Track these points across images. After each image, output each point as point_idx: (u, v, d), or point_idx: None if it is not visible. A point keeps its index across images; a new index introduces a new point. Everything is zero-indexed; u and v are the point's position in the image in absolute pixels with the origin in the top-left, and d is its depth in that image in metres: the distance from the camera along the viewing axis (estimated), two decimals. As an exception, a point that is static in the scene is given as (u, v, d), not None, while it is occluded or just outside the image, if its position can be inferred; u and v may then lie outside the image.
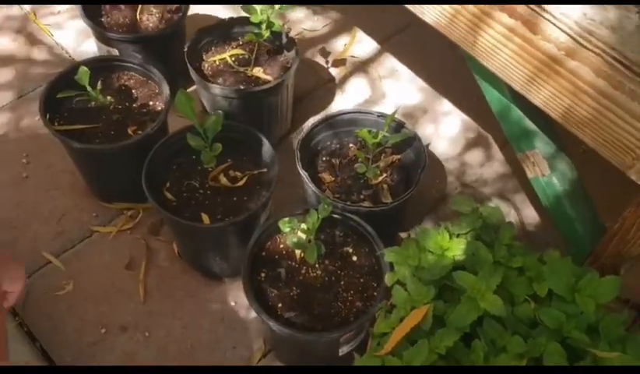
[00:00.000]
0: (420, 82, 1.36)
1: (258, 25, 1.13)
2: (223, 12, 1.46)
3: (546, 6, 0.66)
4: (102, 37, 1.19)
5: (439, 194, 1.18)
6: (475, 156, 1.24)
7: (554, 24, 0.66)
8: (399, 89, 1.35)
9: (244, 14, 1.14)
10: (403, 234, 1.08)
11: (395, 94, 1.34)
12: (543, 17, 0.67)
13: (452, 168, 1.22)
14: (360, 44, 1.44)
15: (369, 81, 1.36)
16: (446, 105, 1.32)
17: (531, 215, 1.14)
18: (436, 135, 1.27)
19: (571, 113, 0.68)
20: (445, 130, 1.28)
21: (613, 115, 0.64)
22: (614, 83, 0.63)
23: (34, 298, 1.03)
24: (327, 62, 1.40)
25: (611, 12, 0.64)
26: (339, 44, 1.44)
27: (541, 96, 0.71)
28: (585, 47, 0.64)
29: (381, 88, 1.35)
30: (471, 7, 0.74)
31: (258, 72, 1.17)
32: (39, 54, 1.36)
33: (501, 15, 0.71)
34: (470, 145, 1.25)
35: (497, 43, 0.73)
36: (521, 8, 0.68)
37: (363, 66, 1.40)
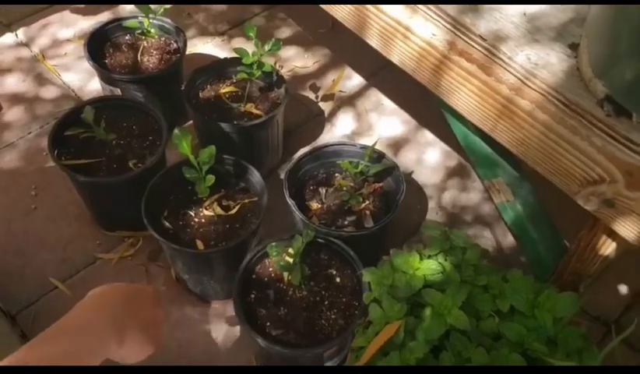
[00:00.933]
0: (403, 115, 1.45)
1: (250, 65, 1.23)
2: (218, 52, 1.55)
3: (497, 52, 0.74)
4: (105, 77, 1.29)
5: (420, 218, 1.25)
6: (454, 183, 1.31)
7: (505, 68, 0.74)
8: (384, 121, 1.43)
9: (237, 55, 1.24)
10: (385, 257, 1.16)
11: (381, 126, 1.42)
12: (496, 62, 0.75)
13: (433, 194, 1.30)
14: (348, 80, 1.53)
15: (356, 114, 1.45)
16: (428, 136, 1.40)
17: (506, 237, 1.21)
18: (418, 164, 1.35)
19: (523, 145, 0.77)
20: (427, 159, 1.36)
21: (559, 147, 0.72)
22: (557, 119, 0.71)
23: (41, 321, 1.10)
24: (317, 97, 1.49)
25: (552, 56, 0.73)
26: (328, 80, 1.53)
27: (497, 130, 0.79)
28: (531, 88, 0.72)
29: (368, 120, 1.44)
30: (434, 52, 0.82)
31: (250, 107, 1.25)
32: (47, 93, 1.45)
33: (460, 60, 0.79)
34: (450, 173, 1.33)
35: (458, 84, 0.81)
36: (477, 54, 0.77)
37: (350, 100, 1.49)
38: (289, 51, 1.58)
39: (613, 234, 0.77)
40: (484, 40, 0.75)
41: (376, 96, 1.49)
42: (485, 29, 0.76)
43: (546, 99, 0.71)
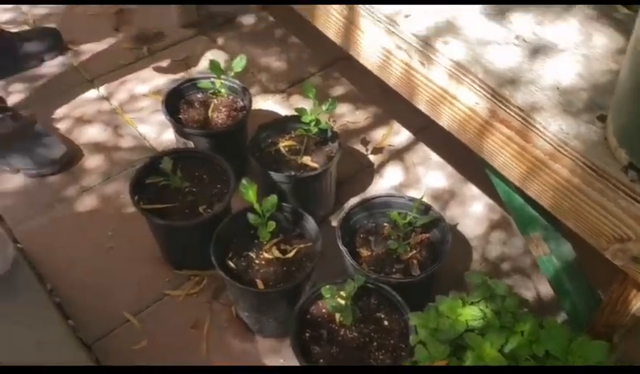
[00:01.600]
0: (449, 169, 1.54)
1: (308, 123, 1.35)
2: (278, 108, 1.69)
3: (533, 121, 0.84)
4: (180, 131, 1.44)
5: (464, 268, 1.33)
6: (497, 235, 1.39)
7: (540, 135, 0.84)
8: (430, 174, 1.53)
9: (297, 113, 1.37)
10: (431, 303, 1.24)
11: (428, 179, 1.52)
12: (532, 130, 0.85)
13: (477, 245, 1.38)
14: (397, 135, 1.64)
15: (404, 167, 1.55)
16: (473, 189, 1.49)
17: (545, 288, 1.27)
18: (463, 216, 1.44)
19: (556, 204, 0.85)
20: (472, 212, 1.45)
21: (588, 207, 0.80)
22: (586, 182, 0.79)
23: (115, 350, 1.22)
24: (367, 150, 1.60)
25: (582, 126, 0.82)
26: (377, 135, 1.64)
27: (534, 189, 0.88)
28: (563, 154, 0.81)
29: (415, 173, 1.54)
30: (477, 118, 0.93)
31: (306, 160, 1.37)
32: (124, 142, 1.61)
33: (500, 127, 0.89)
34: (493, 226, 1.41)
35: (498, 147, 0.91)
36: (515, 122, 0.87)
37: (399, 154, 1.59)
38: (342, 108, 1.71)
39: (643, 288, 0.84)
40: (522, 110, 0.85)
41: (423, 150, 1.59)
42: (522, 101, 0.86)
43: (576, 164, 0.80)
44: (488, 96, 0.89)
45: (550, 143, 0.82)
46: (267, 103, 1.72)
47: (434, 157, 1.57)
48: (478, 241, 1.39)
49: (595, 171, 0.78)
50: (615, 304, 0.90)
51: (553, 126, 0.82)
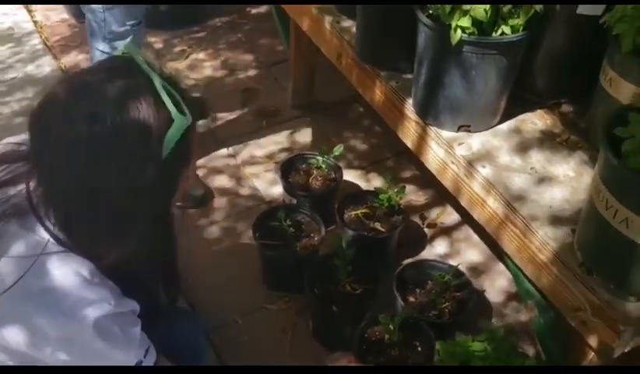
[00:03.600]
0: (484, 248, 2.00)
1: (382, 199, 1.86)
2: (359, 181, 2.21)
3: (530, 226, 1.31)
4: (288, 190, 1.98)
5: (483, 322, 1.78)
6: (513, 304, 1.83)
7: (534, 236, 1.30)
8: (469, 250, 1.99)
9: (374, 186, 1.89)
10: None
11: (466, 253, 1.98)
12: (530, 231, 1.32)
13: (496, 308, 1.82)
14: (448, 215, 2.12)
15: (450, 241, 2.03)
16: (500, 267, 1.94)
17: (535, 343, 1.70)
18: (490, 286, 1.89)
19: (541, 282, 1.31)
20: (497, 284, 1.90)
21: (558, 286, 1.26)
22: (559, 269, 1.25)
23: (225, 340, 1.73)
24: (423, 224, 2.09)
25: (560, 233, 1.28)
26: (433, 213, 2.12)
27: (529, 270, 1.35)
28: (546, 250, 1.28)
29: (457, 247, 2.00)
30: (497, 218, 1.40)
31: (377, 225, 1.87)
32: (243, 191, 2.16)
33: (511, 226, 1.37)
34: (510, 297, 1.85)
35: (509, 239, 1.38)
36: (520, 225, 1.34)
37: (447, 230, 2.07)
38: (408, 188, 2.20)
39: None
40: (524, 218, 1.33)
41: (467, 231, 2.06)
42: (526, 212, 1.33)
43: (554, 258, 1.26)
44: (505, 205, 1.37)
45: (539, 242, 1.29)
46: (351, 176, 2.25)
47: (475, 237, 2.03)
48: (497, 305, 1.83)
49: (564, 263, 1.24)
50: (578, 354, 1.33)
51: (542, 231, 1.29)
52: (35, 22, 2.93)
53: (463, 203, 1.52)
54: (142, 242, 1.02)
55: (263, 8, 3.01)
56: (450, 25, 1.33)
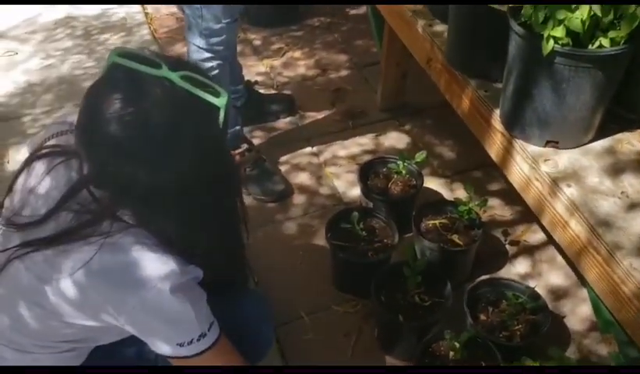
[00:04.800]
0: (568, 271, 1.88)
1: (462, 211, 1.80)
2: (441, 189, 2.15)
3: (614, 254, 1.21)
4: (365, 193, 1.96)
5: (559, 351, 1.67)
6: (593, 334, 1.71)
7: (618, 264, 1.21)
8: (552, 272, 1.88)
9: (456, 197, 1.83)
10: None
11: (548, 275, 1.87)
12: (614, 259, 1.22)
13: (575, 337, 1.71)
14: (533, 233, 2.01)
15: (532, 261, 1.92)
16: (584, 294, 1.81)
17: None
18: (571, 313, 1.77)
19: (622, 315, 1.21)
20: (579, 312, 1.78)
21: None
22: (642, 306, 1.15)
23: (290, 336, 1.75)
24: (505, 240, 2.00)
25: (647, 267, 1.18)
26: (517, 230, 2.03)
27: (609, 302, 1.25)
28: (630, 282, 1.18)
29: (539, 268, 1.90)
30: (579, 242, 1.31)
31: (455, 238, 1.81)
32: (322, 190, 2.17)
33: (593, 252, 1.27)
34: (593, 326, 1.73)
35: (590, 266, 1.28)
36: (603, 252, 1.24)
37: (530, 249, 1.96)
38: (493, 201, 2.11)
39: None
40: (608, 245, 1.23)
41: (552, 251, 1.95)
42: (610, 239, 1.23)
43: (637, 289, 1.16)
44: (588, 229, 1.28)
45: (622, 272, 1.19)
46: (434, 183, 2.19)
47: (559, 259, 1.92)
48: (575, 334, 1.71)
49: (647, 299, 1.14)
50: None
51: (627, 261, 1.19)
52: (146, 13, 3.11)
53: (544, 223, 1.44)
54: (209, 223, 1.06)
55: (362, 10, 3.01)
56: (542, 34, 1.26)
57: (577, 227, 1.32)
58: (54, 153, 1.10)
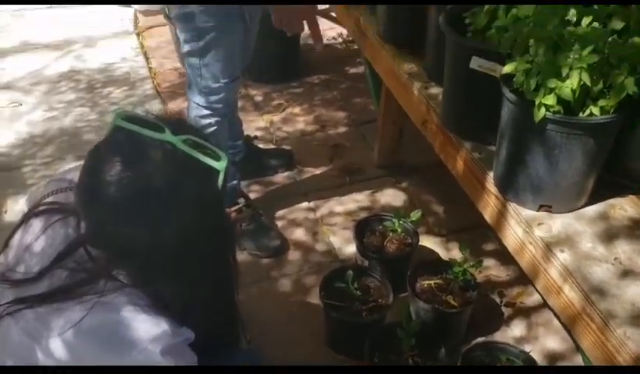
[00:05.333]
0: (565, 335, 1.85)
1: (457, 272, 1.79)
2: (437, 248, 2.15)
3: (608, 323, 1.20)
4: (360, 250, 1.96)
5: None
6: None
7: (612, 334, 1.19)
8: (548, 336, 1.86)
9: (452, 257, 1.82)
10: None
11: (544, 339, 1.85)
12: (608, 327, 1.21)
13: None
14: (530, 296, 1.99)
15: (527, 324, 1.90)
16: (579, 361, 1.78)
17: None
18: (568, 378, 1.74)
19: (615, 386, 1.19)
20: (576, 377, 1.75)
21: (636, 395, 1.14)
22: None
23: None
24: (501, 301, 1.98)
25: (638, 335, 1.16)
26: (513, 291, 2.01)
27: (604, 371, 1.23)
28: (624, 351, 1.16)
29: (535, 332, 1.88)
30: (573, 308, 1.30)
31: (450, 299, 1.80)
32: (318, 246, 2.17)
33: (587, 319, 1.26)
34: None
35: (584, 333, 1.27)
36: (597, 319, 1.23)
37: (527, 312, 1.94)
38: (489, 262, 2.11)
39: None
40: (602, 313, 1.22)
41: (548, 315, 1.93)
42: (604, 307, 1.22)
43: (631, 359, 1.14)
44: (582, 296, 1.27)
45: (616, 341, 1.18)
46: (430, 242, 2.19)
47: (555, 322, 1.90)
48: (575, 403, 1.68)
49: (641, 369, 1.12)
50: None
51: (621, 330, 1.18)
52: (150, 68, 3.18)
53: (538, 288, 1.43)
54: (205, 284, 1.06)
55: (360, 69, 3.07)
56: (534, 101, 1.28)
57: (570, 294, 1.31)
58: (52, 210, 1.11)
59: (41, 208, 1.12)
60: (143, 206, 0.97)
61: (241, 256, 2.12)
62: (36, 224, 1.10)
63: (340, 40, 3.34)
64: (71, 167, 1.19)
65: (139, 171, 0.96)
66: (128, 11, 3.67)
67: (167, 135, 0.99)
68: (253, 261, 2.10)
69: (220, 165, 1.02)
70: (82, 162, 1.05)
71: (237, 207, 2.10)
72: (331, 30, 3.41)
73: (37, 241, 1.08)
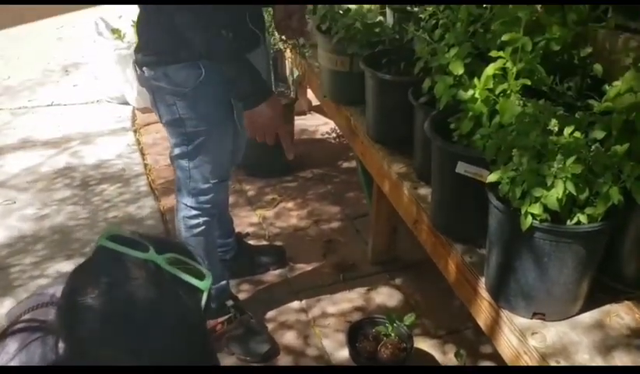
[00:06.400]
0: None
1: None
2: (434, 353, 2.07)
3: None
4: (353, 357, 1.89)
5: None
6: None
7: None
8: None
9: (449, 360, 1.74)
10: None
11: None
12: None
13: None
14: None
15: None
16: None
17: None
18: None
19: None
20: None
21: None
22: None
23: None
24: (502, 409, 1.88)
25: None
26: None
27: None
28: None
29: None
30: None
31: (446, 408, 1.71)
32: (310, 351, 2.09)
33: None
34: None
35: None
36: None
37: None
38: (487, 364, 2.03)
39: None
40: None
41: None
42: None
43: None
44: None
45: None
46: (426, 344, 2.11)
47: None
48: None
49: None
50: None
51: None
52: (145, 164, 3.20)
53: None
54: None
55: (353, 163, 3.10)
56: (520, 210, 1.27)
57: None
58: (30, 328, 1.08)
59: (19, 326, 1.09)
60: (125, 329, 0.94)
61: (230, 361, 2.05)
62: (12, 344, 1.07)
63: (334, 134, 3.39)
64: (52, 282, 1.17)
65: (122, 292, 0.95)
66: (127, 108, 3.76)
67: (152, 254, 0.98)
68: (242, 367, 2.03)
69: (204, 285, 1.00)
70: (65, 276, 1.03)
71: (224, 319, 2.04)
72: (325, 125, 3.47)
73: (12, 361, 1.04)
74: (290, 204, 2.88)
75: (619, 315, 1.42)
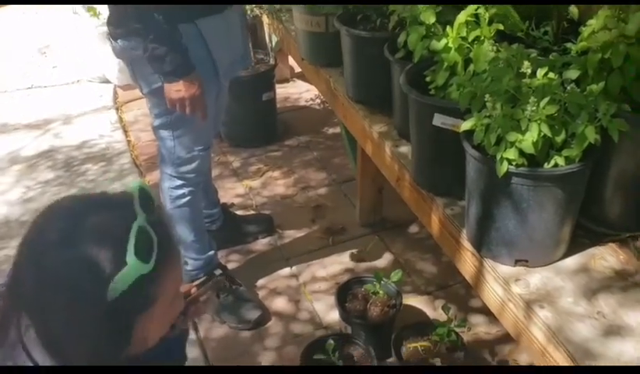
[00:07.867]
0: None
1: (442, 333, 1.72)
2: (423, 306, 2.08)
3: None
4: (343, 317, 1.89)
5: None
6: None
7: None
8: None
9: (439, 315, 1.75)
10: None
11: (542, 398, 1.75)
12: None
13: None
14: (521, 353, 1.91)
15: (522, 383, 1.81)
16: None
17: None
18: None
19: None
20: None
21: None
22: None
23: None
24: (493, 360, 1.89)
25: None
26: (504, 348, 1.93)
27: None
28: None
29: (531, 390, 1.79)
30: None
31: (436, 361, 1.72)
32: (301, 315, 2.10)
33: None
34: None
35: None
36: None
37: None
38: (478, 318, 2.03)
39: None
40: None
41: None
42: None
43: None
44: (567, 355, 1.20)
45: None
46: (416, 301, 2.12)
47: (551, 379, 1.81)
48: None
49: None
50: None
51: None
52: (129, 141, 3.17)
53: (523, 348, 1.36)
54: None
55: (338, 129, 3.07)
56: (495, 156, 1.25)
57: (556, 354, 1.24)
58: None
59: None
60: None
61: (221, 330, 2.05)
62: None
63: (318, 101, 3.35)
64: None
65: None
66: (108, 86, 3.70)
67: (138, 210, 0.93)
68: (233, 335, 2.03)
69: (137, 265, 0.88)
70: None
71: (197, 282, 2.02)
72: (307, 92, 3.43)
73: None
74: (277, 173, 2.86)
75: (603, 257, 1.41)
